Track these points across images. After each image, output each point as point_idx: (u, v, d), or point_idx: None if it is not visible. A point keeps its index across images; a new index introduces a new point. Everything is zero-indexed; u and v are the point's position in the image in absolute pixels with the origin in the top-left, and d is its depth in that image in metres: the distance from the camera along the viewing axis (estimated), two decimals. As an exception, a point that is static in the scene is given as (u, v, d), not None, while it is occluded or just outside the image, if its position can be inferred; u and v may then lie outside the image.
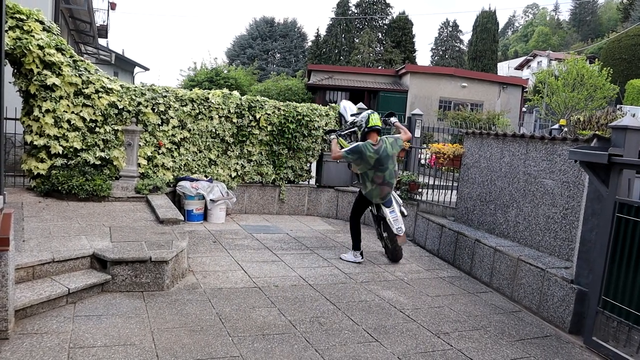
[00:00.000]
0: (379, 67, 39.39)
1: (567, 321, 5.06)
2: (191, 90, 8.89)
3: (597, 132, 5.32)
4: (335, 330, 4.53)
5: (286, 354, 3.98)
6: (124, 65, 27.44)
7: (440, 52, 54.21)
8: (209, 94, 8.84)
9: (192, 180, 8.41)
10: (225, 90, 9.14)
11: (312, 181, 9.96)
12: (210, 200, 8.28)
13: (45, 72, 7.25)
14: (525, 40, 76.00)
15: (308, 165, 9.86)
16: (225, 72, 26.98)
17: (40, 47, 7.15)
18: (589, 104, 20.97)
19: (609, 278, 4.55)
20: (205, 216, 8.43)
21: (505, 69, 54.44)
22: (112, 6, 20.89)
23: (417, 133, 9.65)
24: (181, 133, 8.57)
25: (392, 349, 4.25)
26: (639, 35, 31.19)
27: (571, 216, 5.64)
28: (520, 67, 52.40)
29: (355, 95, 24.93)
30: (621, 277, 4.43)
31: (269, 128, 9.27)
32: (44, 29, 7.29)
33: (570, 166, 5.69)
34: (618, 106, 20.39)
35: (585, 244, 5.06)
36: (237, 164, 9.19)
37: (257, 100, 9.25)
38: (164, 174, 8.39)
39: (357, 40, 44.30)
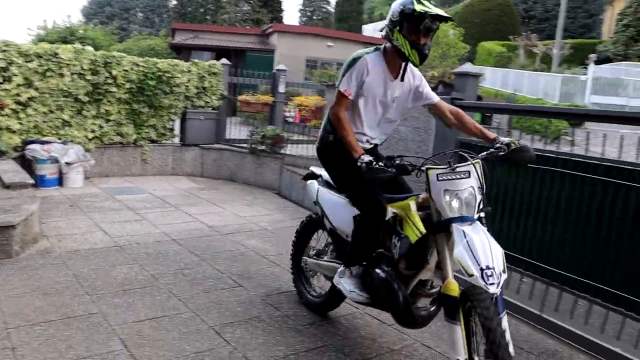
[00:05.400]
0: (247, 27, 38.73)
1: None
2: (37, 45, 8.15)
3: (442, 79, 5.77)
4: (200, 279, 4.57)
5: (148, 305, 3.96)
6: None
7: (308, 13, 54.47)
8: (57, 48, 8.13)
9: (43, 143, 7.82)
10: (77, 45, 8.50)
11: (176, 140, 9.67)
12: (65, 163, 7.77)
13: None
14: (389, 4, 78.74)
15: (171, 123, 9.54)
16: (81, 31, 25.01)
17: None
18: (444, 62, 22.46)
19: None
20: (60, 181, 7.90)
21: (370, 30, 56.06)
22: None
23: (282, 88, 9.73)
24: (28, 92, 7.85)
25: (256, 292, 4.40)
26: (488, 1, 34.14)
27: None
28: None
29: (221, 55, 24.20)
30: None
31: (128, 85, 8.78)
32: None
33: (422, 113, 6.10)
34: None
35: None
36: (94, 124, 8.64)
37: (114, 56, 8.72)
38: (10, 138, 7.69)
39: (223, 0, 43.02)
